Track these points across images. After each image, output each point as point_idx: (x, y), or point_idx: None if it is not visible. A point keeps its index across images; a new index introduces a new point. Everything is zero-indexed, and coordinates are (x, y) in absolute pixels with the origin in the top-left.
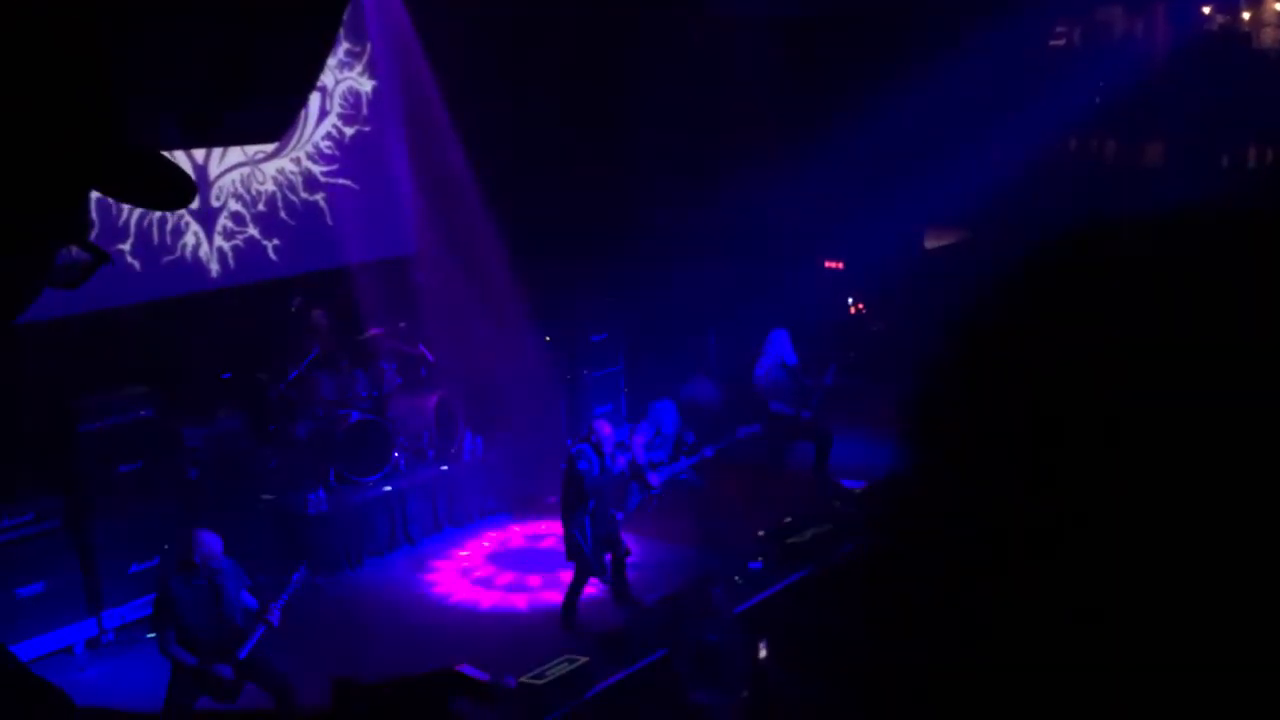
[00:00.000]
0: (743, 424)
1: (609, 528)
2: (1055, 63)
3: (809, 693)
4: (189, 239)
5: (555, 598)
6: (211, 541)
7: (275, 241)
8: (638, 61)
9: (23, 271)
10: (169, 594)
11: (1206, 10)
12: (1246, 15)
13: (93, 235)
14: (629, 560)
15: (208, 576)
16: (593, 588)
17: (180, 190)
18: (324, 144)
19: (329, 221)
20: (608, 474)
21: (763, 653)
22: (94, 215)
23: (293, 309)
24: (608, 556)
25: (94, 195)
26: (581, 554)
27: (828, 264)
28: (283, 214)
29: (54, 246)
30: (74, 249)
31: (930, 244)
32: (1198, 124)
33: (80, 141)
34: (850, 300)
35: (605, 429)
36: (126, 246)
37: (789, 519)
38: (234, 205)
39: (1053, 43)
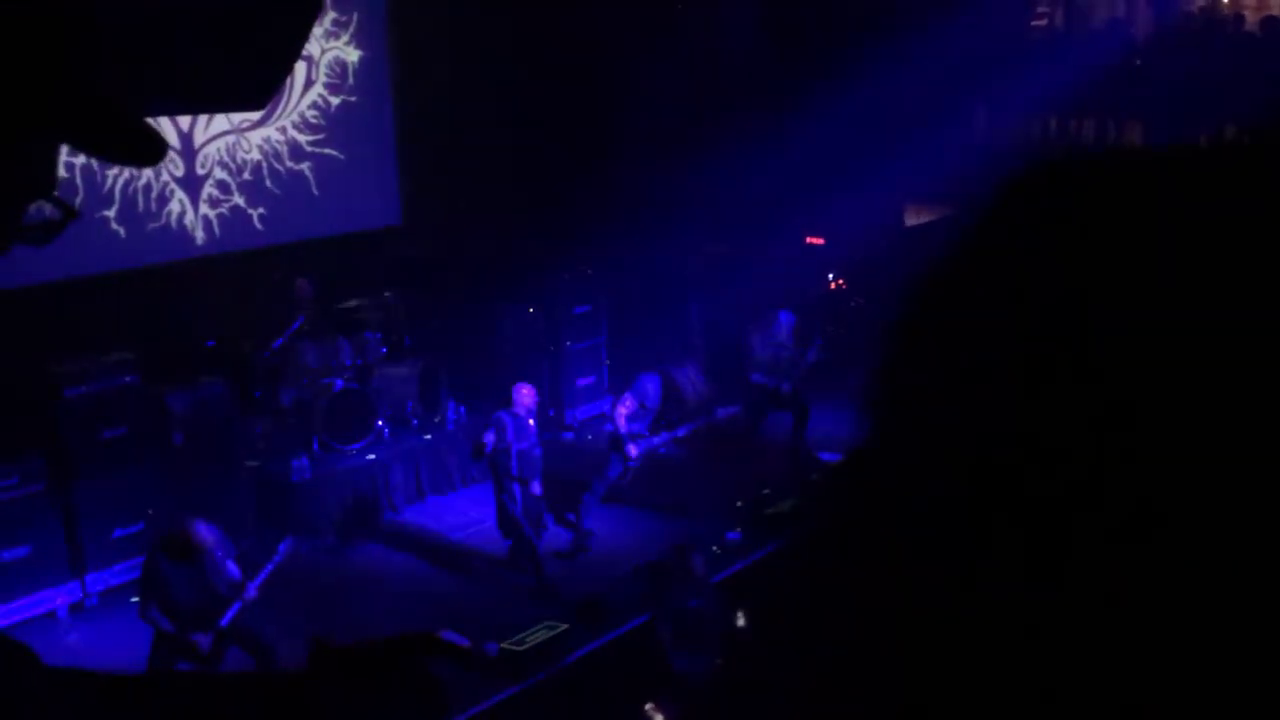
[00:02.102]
0: (722, 404)
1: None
2: (1037, 42)
3: (784, 663)
4: (174, 206)
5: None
6: (207, 534)
7: (260, 210)
8: (622, 34)
9: None
10: (157, 566)
11: None
12: None
13: (77, 201)
14: (592, 539)
15: (196, 555)
16: (563, 551)
17: (147, 145)
18: (310, 113)
19: (314, 191)
20: (522, 439)
21: (741, 622)
22: (78, 181)
23: (275, 278)
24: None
25: (80, 160)
26: (512, 519)
27: (809, 239)
28: (268, 183)
29: (20, 201)
30: (43, 206)
31: (910, 221)
32: (1176, 105)
33: (38, 87)
34: (831, 276)
35: (525, 395)
36: (111, 213)
37: (767, 490)
38: (219, 174)
39: (1034, 22)
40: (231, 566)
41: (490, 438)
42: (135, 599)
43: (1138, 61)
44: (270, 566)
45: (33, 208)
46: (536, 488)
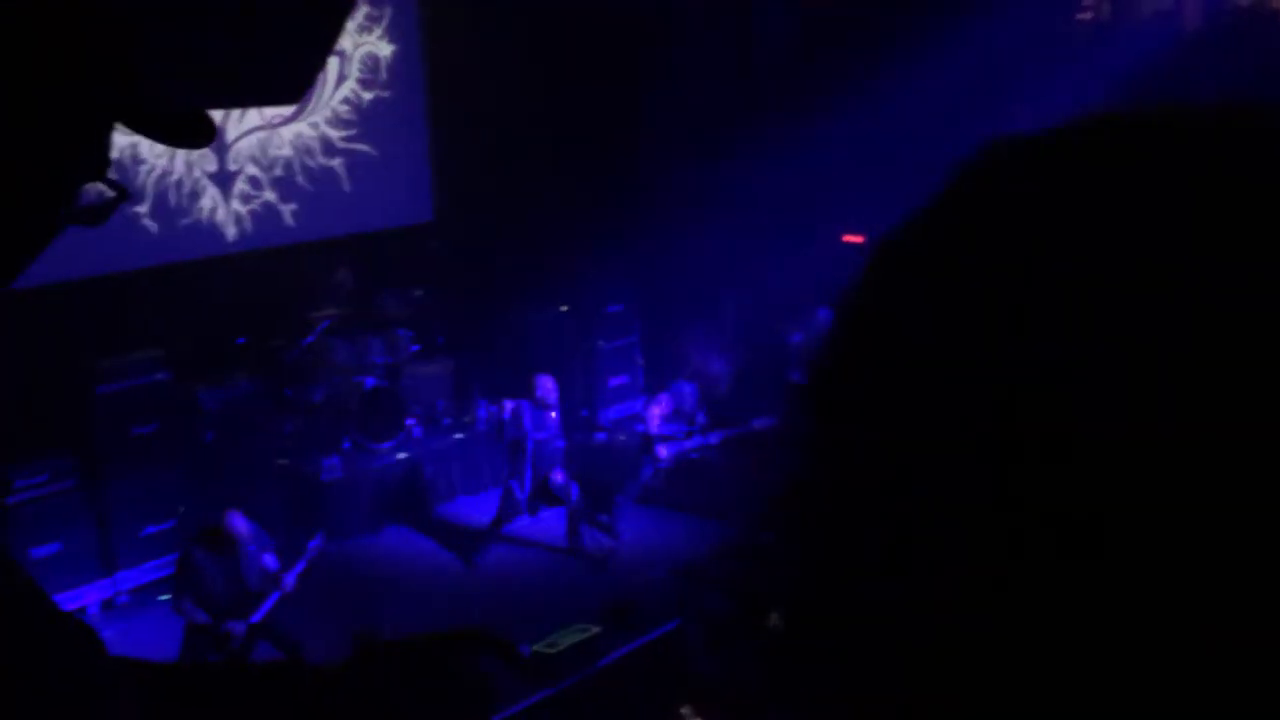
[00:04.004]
0: (758, 414)
1: (546, 477)
2: (1082, 36)
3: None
4: (206, 202)
5: (569, 567)
6: (241, 525)
7: (292, 206)
8: (657, 29)
9: (46, 208)
10: (191, 560)
11: None
12: None
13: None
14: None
15: (231, 547)
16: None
17: (200, 129)
18: (342, 109)
19: (346, 187)
20: (539, 429)
21: (775, 621)
22: (110, 176)
23: (311, 273)
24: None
25: (111, 154)
26: (516, 503)
27: (846, 238)
28: (300, 179)
29: (74, 183)
30: (95, 186)
31: None
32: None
33: (105, 71)
34: None
35: (545, 383)
36: (144, 209)
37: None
38: (251, 169)
39: (1080, 16)
40: (268, 559)
41: (506, 420)
42: (166, 596)
43: (1185, 57)
44: (302, 564)
45: (87, 189)
46: (557, 476)
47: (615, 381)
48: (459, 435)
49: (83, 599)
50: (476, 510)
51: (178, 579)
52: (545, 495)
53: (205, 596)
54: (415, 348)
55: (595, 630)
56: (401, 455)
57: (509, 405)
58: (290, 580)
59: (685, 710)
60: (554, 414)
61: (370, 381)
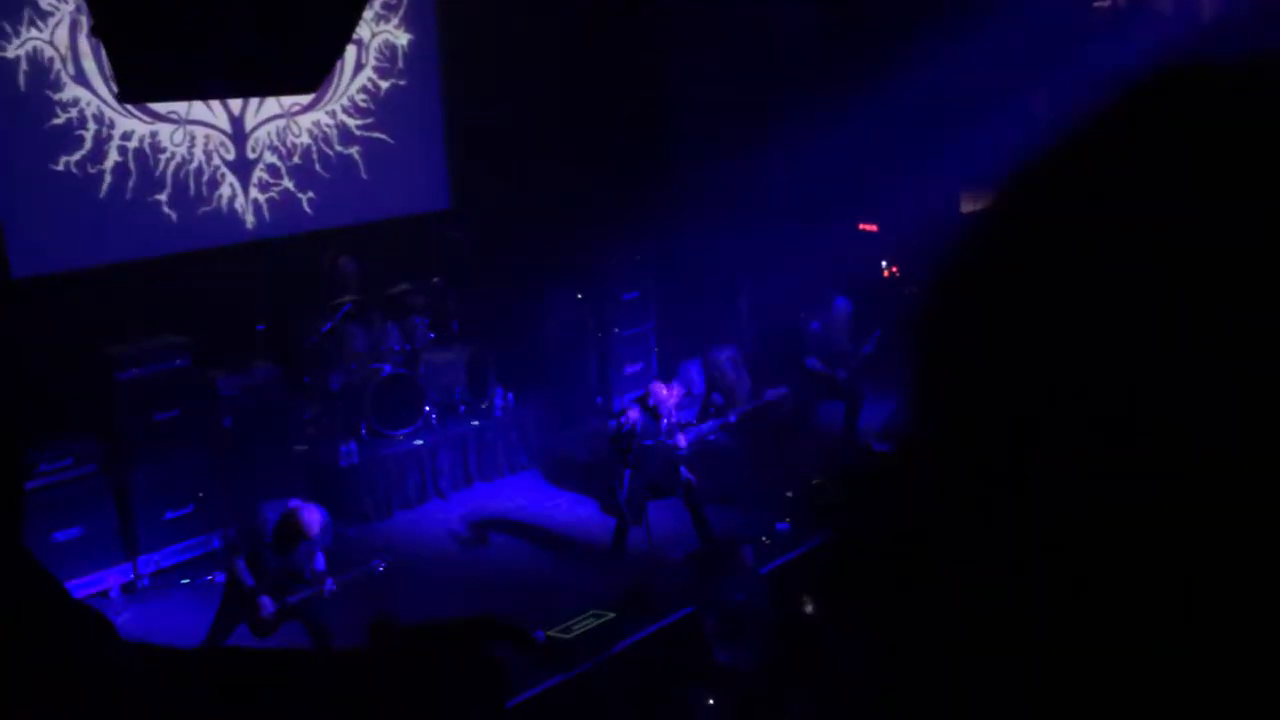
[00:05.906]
0: (770, 387)
1: (654, 479)
2: (1099, 25)
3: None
4: (225, 190)
5: (582, 553)
6: (316, 521)
7: (310, 194)
8: (675, 17)
9: None
10: (262, 533)
11: None
12: None
13: (130, 184)
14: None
15: (298, 534)
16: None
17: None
18: (359, 97)
19: (363, 175)
20: (652, 432)
21: (809, 608)
22: (131, 165)
23: (325, 262)
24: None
25: (133, 144)
26: (616, 503)
27: (862, 226)
28: (317, 167)
29: None
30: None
31: (967, 207)
32: None
33: None
34: (884, 263)
35: (659, 390)
36: (164, 197)
37: (817, 481)
38: (269, 158)
39: (1096, 4)
40: (319, 558)
41: (613, 425)
42: (187, 580)
43: (1203, 45)
44: (354, 573)
45: None
46: (686, 474)
47: (631, 369)
48: (475, 422)
49: (104, 582)
50: (493, 497)
51: (240, 536)
52: (648, 495)
53: (257, 563)
54: (432, 335)
55: (610, 615)
56: (418, 442)
57: (635, 417)
58: (331, 584)
59: (700, 690)
60: (665, 421)
61: (387, 368)
